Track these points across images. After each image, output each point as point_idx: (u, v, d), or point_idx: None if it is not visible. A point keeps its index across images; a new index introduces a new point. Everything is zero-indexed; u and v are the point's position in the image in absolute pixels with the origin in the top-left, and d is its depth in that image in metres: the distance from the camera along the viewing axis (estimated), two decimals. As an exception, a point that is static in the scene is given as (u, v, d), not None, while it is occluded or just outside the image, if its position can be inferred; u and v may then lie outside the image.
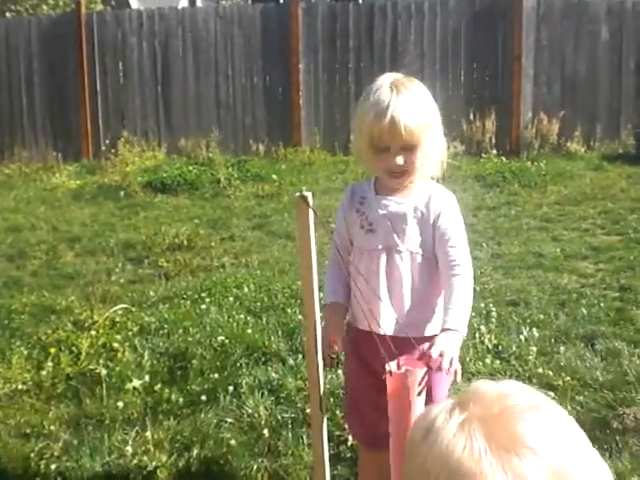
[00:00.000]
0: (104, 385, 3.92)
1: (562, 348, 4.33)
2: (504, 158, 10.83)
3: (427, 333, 2.45)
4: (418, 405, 1.98)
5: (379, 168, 2.39)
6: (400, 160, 2.32)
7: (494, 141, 11.29)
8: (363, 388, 2.56)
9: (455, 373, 2.17)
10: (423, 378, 1.98)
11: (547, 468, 0.78)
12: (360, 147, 2.41)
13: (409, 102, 2.28)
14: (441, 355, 2.11)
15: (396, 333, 2.39)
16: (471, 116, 11.30)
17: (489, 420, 0.83)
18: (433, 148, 2.37)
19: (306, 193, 2.12)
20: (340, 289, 2.51)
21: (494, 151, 11.11)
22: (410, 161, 2.33)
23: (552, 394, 3.72)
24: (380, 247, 2.40)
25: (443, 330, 2.26)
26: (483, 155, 10.96)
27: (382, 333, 2.38)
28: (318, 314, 2.23)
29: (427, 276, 2.42)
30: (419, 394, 1.96)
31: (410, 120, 2.26)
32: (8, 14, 16.26)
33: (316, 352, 2.24)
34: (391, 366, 1.98)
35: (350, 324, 2.58)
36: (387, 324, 2.41)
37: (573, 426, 0.86)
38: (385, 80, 2.35)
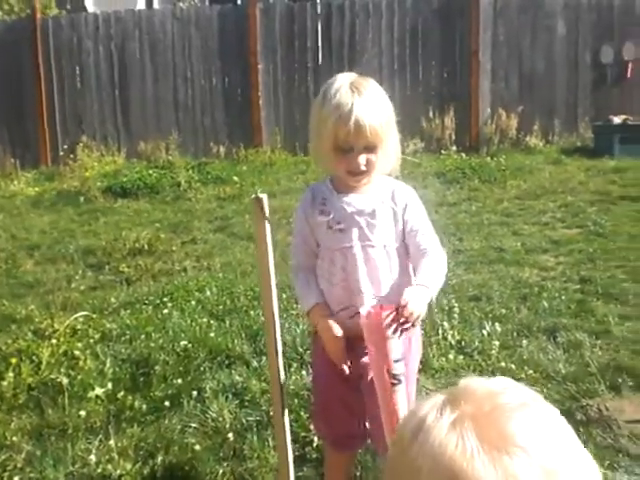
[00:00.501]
0: (66, 394, 3.87)
1: (524, 342, 4.36)
2: (464, 154, 10.89)
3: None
4: (394, 349, 2.07)
5: (341, 168, 2.38)
6: (363, 160, 2.34)
7: (454, 137, 11.36)
8: (333, 387, 2.56)
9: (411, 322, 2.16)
10: (396, 317, 2.06)
11: (538, 467, 0.78)
12: (321, 149, 2.40)
13: (371, 103, 2.31)
14: (406, 306, 2.12)
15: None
16: (430, 113, 11.35)
17: (480, 419, 0.83)
18: (392, 146, 2.40)
19: (261, 195, 2.10)
20: (317, 290, 2.48)
21: (454, 147, 11.17)
22: (372, 160, 2.35)
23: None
24: (353, 244, 2.40)
25: (415, 285, 2.29)
26: (443, 152, 11.01)
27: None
28: (277, 315, 2.22)
29: (402, 266, 2.46)
30: (394, 332, 2.06)
31: (374, 121, 2.28)
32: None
33: (276, 353, 2.23)
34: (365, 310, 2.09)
35: None
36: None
37: (562, 424, 0.86)
38: (343, 81, 2.35)
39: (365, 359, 2.50)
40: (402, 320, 2.09)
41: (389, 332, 2.05)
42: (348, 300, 2.41)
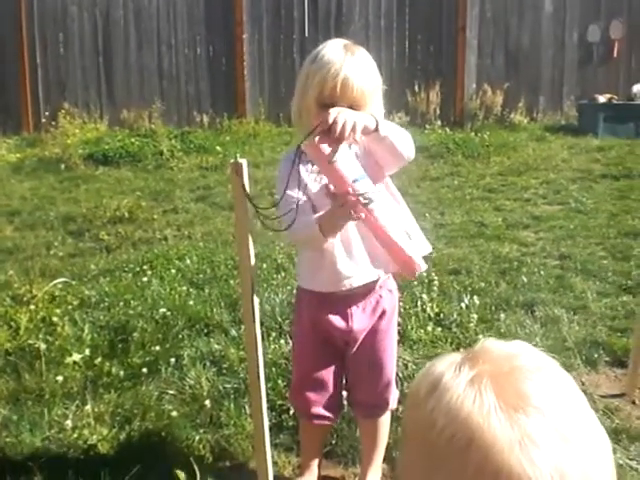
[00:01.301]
0: (43, 360, 3.85)
1: (502, 315, 4.39)
2: (448, 129, 10.88)
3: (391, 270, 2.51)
4: (346, 169, 2.08)
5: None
6: None
7: (438, 112, 11.34)
8: (315, 353, 2.57)
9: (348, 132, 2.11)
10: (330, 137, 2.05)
11: (553, 428, 0.79)
12: (304, 103, 2.36)
13: (361, 64, 2.31)
14: (334, 121, 2.10)
15: (368, 280, 2.46)
16: (416, 87, 11.32)
17: (499, 378, 0.83)
18: (376, 115, 2.35)
19: (240, 160, 2.08)
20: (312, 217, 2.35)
21: (438, 122, 11.16)
22: None
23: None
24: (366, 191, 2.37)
25: None
26: (427, 126, 10.99)
27: (354, 286, 2.45)
28: (254, 280, 2.21)
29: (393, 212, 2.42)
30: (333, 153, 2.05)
31: (361, 81, 2.28)
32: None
33: (253, 320, 2.22)
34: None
35: (306, 291, 2.56)
36: (363, 274, 2.44)
37: (575, 389, 0.87)
38: (336, 43, 2.35)
39: (355, 325, 2.51)
40: (336, 135, 2.07)
41: (330, 157, 2.04)
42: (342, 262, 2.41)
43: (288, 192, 2.27)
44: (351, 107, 2.28)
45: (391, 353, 2.66)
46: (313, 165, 2.36)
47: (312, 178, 2.38)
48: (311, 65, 2.33)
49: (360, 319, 2.52)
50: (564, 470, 0.77)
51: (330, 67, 2.26)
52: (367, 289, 2.50)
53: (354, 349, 2.57)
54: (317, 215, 2.31)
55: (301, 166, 2.34)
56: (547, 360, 0.89)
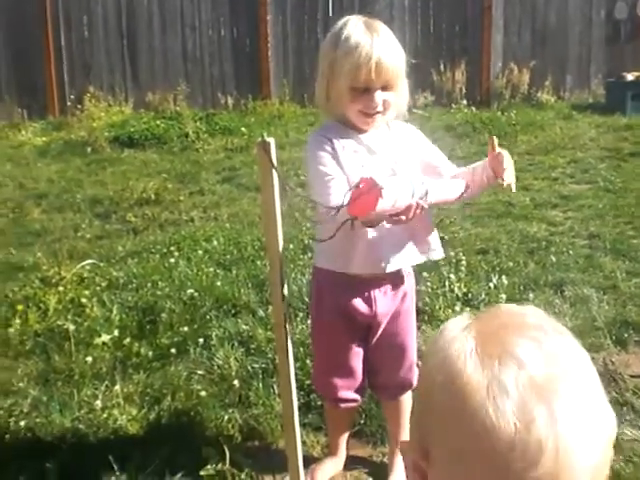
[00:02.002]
0: (72, 341, 3.88)
1: (531, 295, 4.36)
2: (474, 108, 10.80)
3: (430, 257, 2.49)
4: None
5: (355, 108, 2.31)
6: (380, 99, 2.28)
7: (464, 91, 11.26)
8: (337, 334, 2.54)
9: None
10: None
11: (528, 381, 0.78)
12: (335, 89, 2.32)
13: (388, 42, 2.28)
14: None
15: (402, 265, 2.44)
16: (441, 67, 11.24)
17: (488, 328, 0.85)
18: (404, 89, 2.36)
19: (268, 139, 2.07)
20: None
21: (464, 102, 11.08)
22: (388, 100, 2.31)
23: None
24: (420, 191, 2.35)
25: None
26: (453, 106, 10.92)
27: (387, 271, 2.40)
28: (282, 260, 2.20)
29: None
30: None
31: (393, 59, 2.26)
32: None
33: (283, 299, 2.21)
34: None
35: (328, 272, 2.48)
36: (398, 258, 2.40)
37: (582, 362, 0.84)
38: (355, 21, 2.31)
39: (379, 309, 2.49)
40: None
41: (387, 209, 1.96)
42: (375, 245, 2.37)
43: (322, 168, 2.26)
44: (385, 87, 2.27)
45: (413, 334, 2.65)
46: (346, 139, 2.34)
47: (347, 154, 2.33)
48: (336, 48, 2.28)
49: (384, 303, 2.49)
50: (534, 425, 0.75)
51: (361, 51, 2.22)
52: (392, 273, 2.45)
53: (378, 334, 2.55)
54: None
55: (335, 142, 2.33)
56: (555, 326, 0.87)
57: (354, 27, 2.28)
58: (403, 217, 2.03)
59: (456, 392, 0.80)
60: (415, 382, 2.70)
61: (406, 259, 2.41)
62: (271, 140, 2.08)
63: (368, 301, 2.48)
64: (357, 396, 2.69)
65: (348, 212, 1.91)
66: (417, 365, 2.67)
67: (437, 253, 2.47)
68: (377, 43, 2.24)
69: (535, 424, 0.75)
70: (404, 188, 2.00)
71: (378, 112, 2.32)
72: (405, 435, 2.83)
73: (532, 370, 0.79)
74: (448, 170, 2.51)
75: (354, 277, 2.42)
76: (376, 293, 2.47)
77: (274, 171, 2.08)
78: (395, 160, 2.37)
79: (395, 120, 2.46)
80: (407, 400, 2.73)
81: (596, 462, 0.78)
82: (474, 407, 0.78)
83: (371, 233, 2.31)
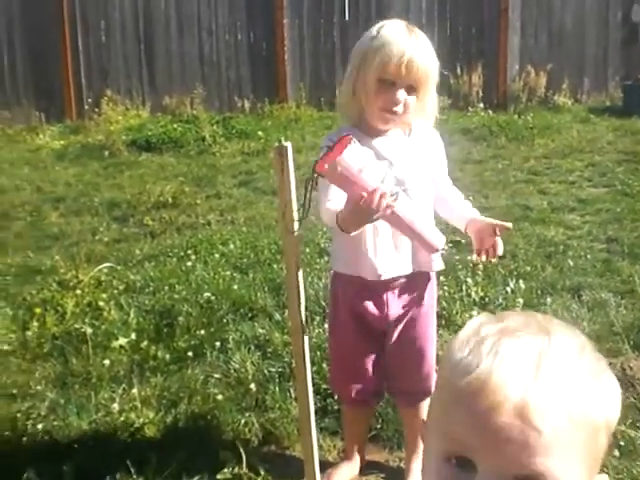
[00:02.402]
0: (90, 344, 3.90)
1: (549, 299, 4.33)
2: (491, 111, 10.78)
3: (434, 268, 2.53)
4: (368, 178, 1.99)
5: (376, 104, 2.32)
6: (402, 96, 2.28)
7: (481, 94, 11.24)
8: (352, 337, 2.55)
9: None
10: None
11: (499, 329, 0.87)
12: (361, 81, 2.32)
13: (425, 46, 2.30)
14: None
15: (408, 271, 2.45)
16: (458, 70, 11.22)
17: (499, 325, 0.89)
18: (430, 99, 2.37)
19: (285, 143, 2.07)
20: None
21: (481, 105, 11.06)
22: (409, 102, 2.31)
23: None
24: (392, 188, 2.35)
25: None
26: (470, 109, 10.90)
27: (393, 275, 2.43)
28: (299, 264, 2.20)
29: (429, 204, 2.48)
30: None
31: (425, 62, 2.27)
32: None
33: (299, 305, 2.21)
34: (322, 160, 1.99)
35: (343, 276, 2.52)
36: (403, 264, 2.43)
37: (577, 367, 0.85)
38: (396, 22, 2.33)
39: (391, 312, 2.49)
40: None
41: (353, 169, 1.95)
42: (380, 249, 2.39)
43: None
44: (411, 87, 2.28)
45: (431, 341, 2.63)
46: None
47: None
48: (373, 40, 2.29)
49: (396, 307, 2.50)
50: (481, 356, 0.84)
51: (396, 45, 2.24)
52: (404, 276, 2.47)
53: (393, 338, 2.55)
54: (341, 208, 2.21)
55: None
56: (569, 333, 0.89)
57: (393, 26, 2.31)
58: (367, 202, 1.99)
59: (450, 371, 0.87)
60: (433, 389, 2.68)
61: (405, 267, 2.43)
62: (288, 144, 2.09)
63: (380, 304, 2.48)
64: (372, 399, 2.69)
65: (317, 168, 1.98)
66: (436, 371, 2.66)
67: (436, 265, 2.50)
68: (413, 42, 2.26)
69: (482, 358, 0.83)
70: (377, 167, 2.05)
71: (397, 112, 2.31)
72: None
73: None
74: (442, 188, 2.57)
75: (367, 280, 2.43)
76: (389, 296, 2.48)
77: (291, 175, 2.09)
78: (405, 170, 2.37)
79: (418, 128, 2.47)
80: (425, 407, 2.72)
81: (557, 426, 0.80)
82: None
83: (378, 238, 2.36)
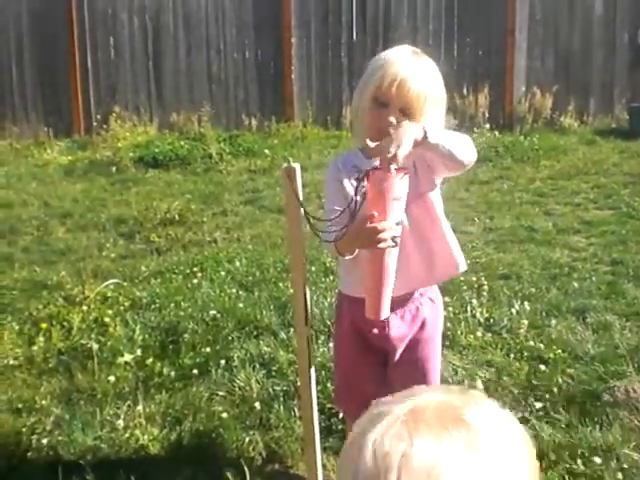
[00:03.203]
0: (96, 360, 3.92)
1: (553, 321, 4.34)
2: (497, 132, 10.80)
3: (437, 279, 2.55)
4: (394, 211, 2.00)
5: (373, 123, 2.32)
6: (394, 117, 2.27)
7: (487, 115, 11.26)
8: (356, 356, 2.55)
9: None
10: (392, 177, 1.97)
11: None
12: (361, 101, 2.33)
13: (425, 69, 2.28)
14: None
15: (405, 291, 2.42)
16: (464, 90, 11.25)
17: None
18: (429, 124, 2.24)
19: (293, 165, 2.09)
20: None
21: (487, 125, 11.07)
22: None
23: (543, 367, 3.74)
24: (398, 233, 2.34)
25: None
26: (476, 129, 10.91)
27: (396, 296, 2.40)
28: (306, 284, 2.22)
29: (430, 223, 2.40)
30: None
31: (419, 84, 2.24)
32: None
33: (306, 323, 2.23)
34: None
35: (346, 296, 2.53)
36: (402, 284, 2.36)
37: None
38: (404, 47, 2.34)
39: (392, 332, 2.49)
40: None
41: (391, 193, 1.97)
42: None
43: (328, 201, 2.35)
44: (403, 110, 2.25)
45: (434, 363, 2.62)
46: (357, 170, 2.34)
47: (351, 187, 2.35)
48: (376, 62, 2.31)
49: (397, 327, 2.48)
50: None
51: (391, 65, 2.25)
52: (405, 297, 2.46)
53: (395, 359, 2.54)
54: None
55: (343, 173, 2.36)
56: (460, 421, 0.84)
57: (399, 49, 2.33)
58: (374, 227, 1.99)
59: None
60: None
61: (404, 287, 2.40)
62: (297, 166, 2.11)
63: (381, 324, 2.47)
64: None
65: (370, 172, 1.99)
66: None
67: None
68: (410, 64, 2.26)
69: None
70: (402, 208, 2.04)
71: (383, 133, 2.30)
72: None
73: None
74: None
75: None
76: (391, 317, 2.47)
77: (299, 195, 2.11)
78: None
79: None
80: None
81: None
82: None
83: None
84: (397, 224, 2.02)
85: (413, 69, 2.25)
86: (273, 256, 5.67)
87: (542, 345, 3.99)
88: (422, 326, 2.53)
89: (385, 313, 2.19)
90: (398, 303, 2.44)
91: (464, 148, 2.21)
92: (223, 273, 5.30)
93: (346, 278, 2.53)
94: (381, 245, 1.99)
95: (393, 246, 2.03)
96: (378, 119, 2.27)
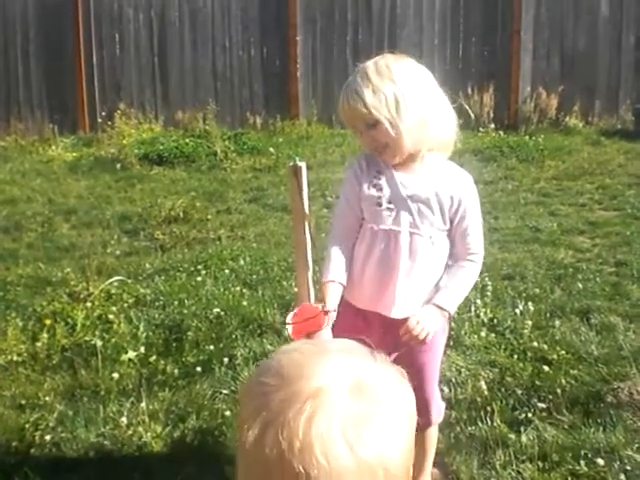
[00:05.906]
0: (99, 356, 3.92)
1: (557, 322, 4.34)
2: (502, 132, 10.78)
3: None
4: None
5: (362, 144, 2.35)
6: (369, 138, 2.28)
7: (492, 115, 11.24)
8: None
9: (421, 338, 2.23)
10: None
11: None
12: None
13: (370, 80, 2.25)
14: (418, 324, 2.17)
15: (403, 316, 2.39)
16: (469, 90, 11.23)
17: None
18: (412, 122, 2.27)
19: (300, 163, 2.09)
20: (342, 269, 2.41)
21: (492, 125, 11.05)
22: (378, 137, 2.27)
23: (546, 368, 3.74)
24: (401, 229, 2.34)
25: (433, 304, 2.29)
26: (481, 129, 10.91)
27: (390, 316, 2.40)
28: (311, 284, 2.22)
29: (440, 260, 2.43)
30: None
31: (360, 97, 2.23)
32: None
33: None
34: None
35: (347, 302, 2.51)
36: (399, 308, 2.40)
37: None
38: (371, 61, 2.32)
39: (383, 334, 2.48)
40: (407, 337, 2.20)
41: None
42: (379, 284, 2.39)
43: (340, 201, 2.45)
44: (368, 124, 2.26)
45: (432, 370, 2.59)
46: (379, 177, 2.36)
47: (367, 187, 2.38)
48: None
49: (388, 333, 2.43)
50: None
51: (342, 93, 2.29)
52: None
53: (392, 359, 2.52)
54: (332, 279, 2.39)
55: (364, 170, 2.37)
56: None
57: (360, 69, 2.31)
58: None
59: None
60: (434, 419, 2.67)
61: (400, 312, 2.41)
62: (303, 164, 2.11)
63: (367, 327, 2.45)
64: None
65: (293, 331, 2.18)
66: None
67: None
68: (354, 85, 2.26)
69: None
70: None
71: (384, 147, 2.30)
72: (429, 466, 2.82)
73: None
74: (455, 259, 2.48)
75: (364, 310, 2.49)
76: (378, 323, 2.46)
77: (304, 193, 2.11)
78: (417, 217, 2.35)
79: (453, 169, 2.45)
80: (430, 432, 2.71)
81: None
82: None
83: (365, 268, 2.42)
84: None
85: (358, 85, 2.25)
86: (277, 254, 5.67)
87: (546, 346, 3.98)
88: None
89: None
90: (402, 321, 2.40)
91: (470, 286, 2.42)
92: (227, 271, 5.30)
93: (354, 289, 2.50)
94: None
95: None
96: (364, 144, 2.32)
